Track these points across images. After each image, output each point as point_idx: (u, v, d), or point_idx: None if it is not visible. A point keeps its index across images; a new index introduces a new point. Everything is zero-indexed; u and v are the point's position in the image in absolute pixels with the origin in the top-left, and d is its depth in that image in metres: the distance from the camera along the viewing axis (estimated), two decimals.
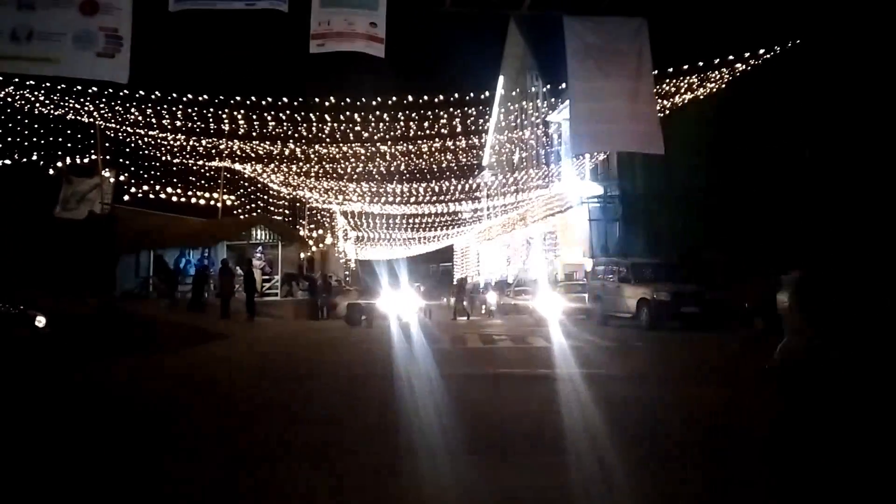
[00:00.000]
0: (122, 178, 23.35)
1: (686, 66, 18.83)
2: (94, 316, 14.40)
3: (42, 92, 18.36)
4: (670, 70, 18.49)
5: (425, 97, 21.73)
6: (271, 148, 24.02)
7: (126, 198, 23.73)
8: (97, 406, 6.93)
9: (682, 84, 19.96)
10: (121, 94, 18.22)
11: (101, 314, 14.70)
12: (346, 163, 26.30)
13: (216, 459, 4.62)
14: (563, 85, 19.06)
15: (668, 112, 19.79)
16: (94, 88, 17.84)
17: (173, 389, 8.05)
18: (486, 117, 26.42)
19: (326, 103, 21.31)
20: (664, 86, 19.26)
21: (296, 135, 22.97)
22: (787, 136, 17.72)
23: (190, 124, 21.17)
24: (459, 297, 26.56)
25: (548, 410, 6.32)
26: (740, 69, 18.81)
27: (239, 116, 21.40)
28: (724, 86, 19.90)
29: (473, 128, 24.41)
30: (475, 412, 6.31)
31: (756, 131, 18.55)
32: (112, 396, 7.61)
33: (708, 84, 20.15)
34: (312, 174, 27.80)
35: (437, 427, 5.59)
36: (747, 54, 18.09)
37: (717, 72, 19.22)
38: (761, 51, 17.75)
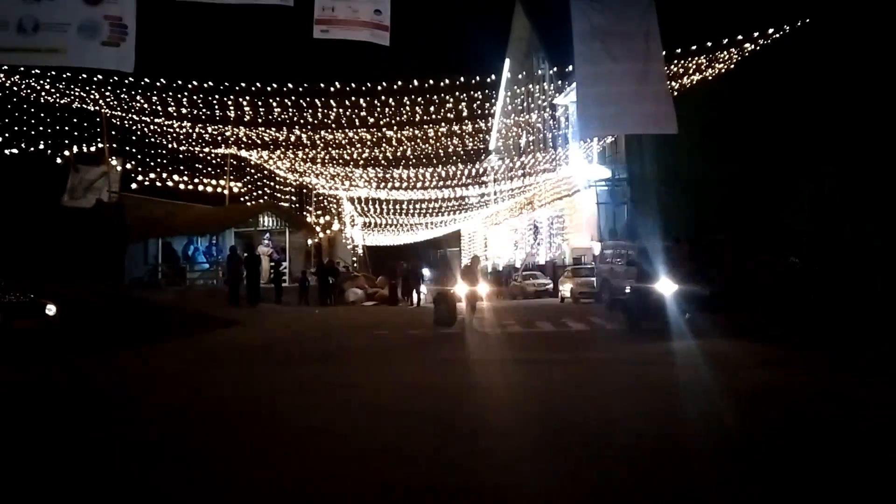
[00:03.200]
0: (128, 166, 23.36)
1: (694, 47, 18.64)
2: (105, 304, 14.48)
3: (48, 81, 18.35)
4: (678, 51, 18.30)
5: (431, 81, 21.64)
6: (277, 134, 23.99)
7: (133, 186, 23.76)
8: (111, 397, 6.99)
9: (690, 65, 19.76)
10: (126, 81, 18.21)
11: (111, 302, 14.79)
12: (353, 148, 26.24)
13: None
14: (570, 67, 18.93)
15: (675, 94, 19.59)
16: (100, 77, 17.82)
17: (186, 378, 8.10)
18: (493, 101, 26.27)
19: (332, 88, 21.25)
20: (672, 67, 19.08)
21: (301, 121, 22.92)
22: (797, 117, 17.52)
23: (196, 111, 21.15)
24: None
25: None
26: (749, 49, 18.61)
27: (244, 103, 21.35)
28: (732, 66, 19.68)
29: (480, 112, 24.32)
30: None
31: (765, 112, 18.35)
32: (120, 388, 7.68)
33: (716, 64, 19.94)
34: (319, 160, 27.77)
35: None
36: (756, 34, 17.88)
37: (725, 52, 19.02)
38: (770, 30, 17.55)
